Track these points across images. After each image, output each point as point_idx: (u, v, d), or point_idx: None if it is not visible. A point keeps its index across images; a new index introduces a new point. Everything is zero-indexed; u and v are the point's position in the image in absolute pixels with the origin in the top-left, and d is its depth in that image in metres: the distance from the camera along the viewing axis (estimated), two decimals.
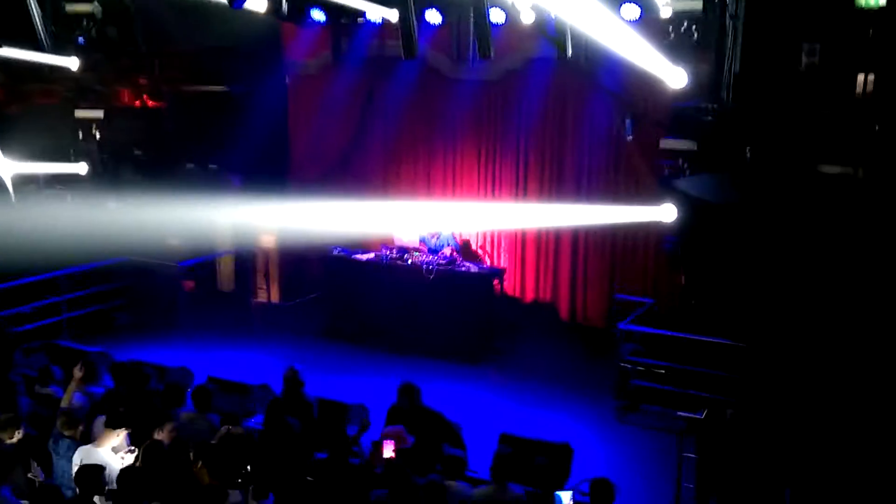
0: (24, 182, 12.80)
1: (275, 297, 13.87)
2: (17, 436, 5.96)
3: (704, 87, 9.66)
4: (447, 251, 11.69)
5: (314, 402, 7.56)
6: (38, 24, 8.68)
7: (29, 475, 5.65)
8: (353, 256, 12.06)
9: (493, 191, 12.60)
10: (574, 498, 5.43)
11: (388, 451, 5.51)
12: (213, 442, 6.03)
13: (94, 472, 5.40)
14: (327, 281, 12.66)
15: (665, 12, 9.55)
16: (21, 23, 8.57)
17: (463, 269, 11.37)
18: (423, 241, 11.95)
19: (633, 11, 9.14)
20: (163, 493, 5.50)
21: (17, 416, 6.22)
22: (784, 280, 8.24)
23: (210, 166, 13.71)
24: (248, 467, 5.44)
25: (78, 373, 7.08)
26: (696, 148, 9.83)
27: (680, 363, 9.08)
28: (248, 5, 8.48)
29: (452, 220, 12.20)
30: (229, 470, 5.54)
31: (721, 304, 9.13)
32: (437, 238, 11.94)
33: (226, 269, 14.14)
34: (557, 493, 5.44)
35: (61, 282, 11.61)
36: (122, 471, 5.36)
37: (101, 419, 6.42)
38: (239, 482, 5.26)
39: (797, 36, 8.65)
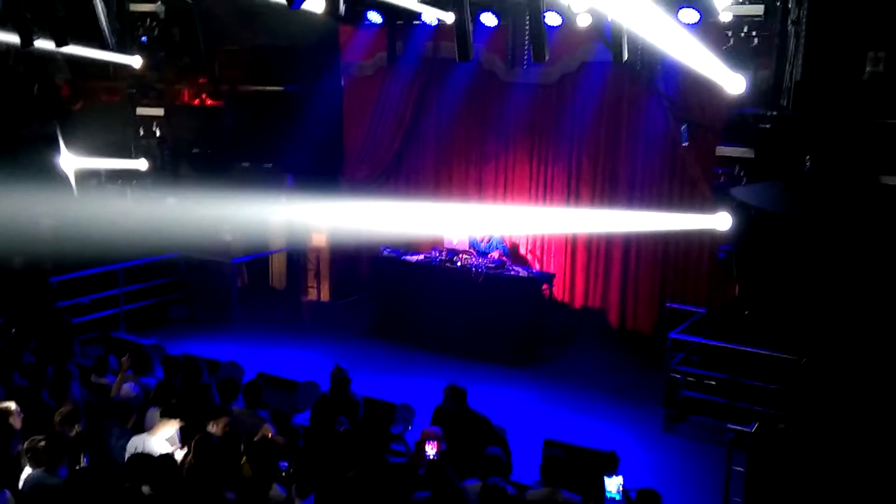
0: (86, 177, 13.17)
1: (325, 296, 14.02)
2: (77, 429, 6.11)
3: (763, 94, 9.51)
4: (496, 255, 11.67)
5: (360, 401, 7.60)
6: (103, 22, 8.87)
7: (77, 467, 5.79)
8: (402, 257, 12.11)
9: (544, 195, 12.53)
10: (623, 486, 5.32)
11: (431, 451, 5.47)
12: (255, 440, 6.10)
13: (144, 461, 5.52)
14: (376, 281, 12.75)
15: (724, 17, 9.43)
16: (86, 21, 8.78)
17: (512, 272, 11.34)
18: (472, 244, 11.96)
19: (691, 15, 9.01)
20: (210, 484, 5.59)
21: (77, 410, 6.37)
22: (842, 293, 8.05)
23: (265, 165, 13.91)
24: (292, 464, 5.48)
25: (126, 363, 7.23)
26: (753, 156, 9.65)
27: (731, 374, 8.91)
28: (305, 6, 8.56)
29: (503, 223, 12.18)
30: (270, 466, 5.59)
31: (775, 316, 8.96)
32: (487, 241, 11.94)
33: (278, 266, 14.34)
34: (606, 477, 5.33)
35: (119, 275, 11.87)
36: (161, 457, 5.45)
37: (154, 410, 6.56)
38: (283, 477, 5.31)
39: (862, 43, 8.45)
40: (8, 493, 5.23)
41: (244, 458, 5.96)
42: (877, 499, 5.91)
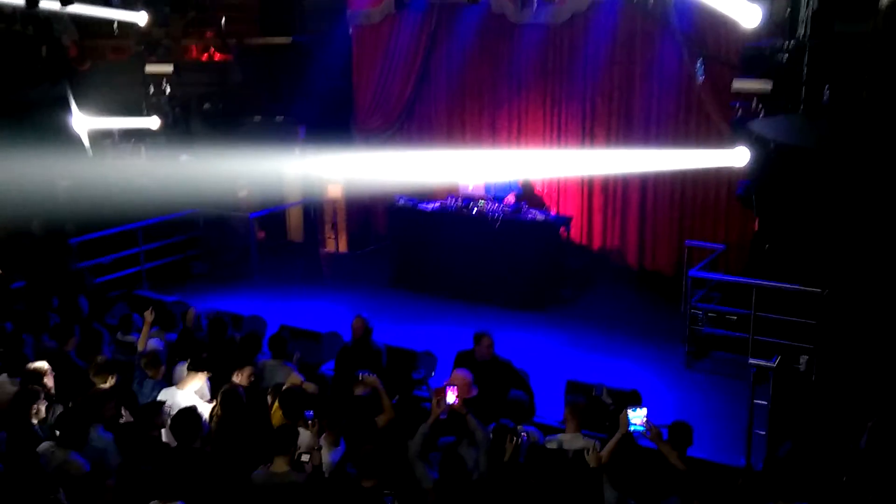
0: (99, 137, 13.17)
1: (343, 247, 14.07)
2: (111, 381, 6.22)
3: (780, 25, 9.30)
4: (511, 198, 11.61)
5: (383, 350, 7.68)
6: None
7: (121, 421, 5.90)
8: (418, 206, 12.07)
9: (558, 137, 12.41)
10: (647, 418, 5.37)
11: (452, 397, 5.51)
12: (285, 388, 6.20)
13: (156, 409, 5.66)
14: (393, 230, 12.76)
15: None
16: None
17: (529, 216, 11.30)
18: (487, 189, 11.90)
19: None
20: (239, 434, 5.70)
21: (111, 362, 6.48)
22: (863, 225, 7.99)
23: (276, 118, 13.84)
24: (318, 413, 5.56)
25: (149, 317, 7.32)
26: (770, 88, 9.47)
27: (752, 310, 8.89)
28: None
29: (518, 167, 12.09)
30: (300, 413, 5.68)
31: (796, 249, 8.90)
32: (496, 187, 11.85)
33: (295, 219, 14.37)
34: (630, 410, 5.37)
35: (139, 233, 11.94)
36: (184, 410, 5.55)
37: (182, 364, 6.66)
38: (310, 424, 5.38)
39: None
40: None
41: (274, 407, 6.06)
42: None
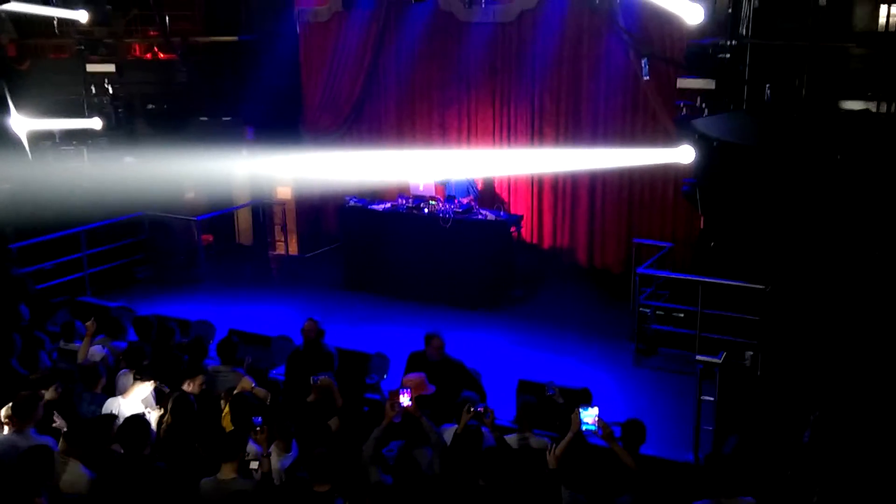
0: (40, 138, 12.83)
1: (293, 250, 13.94)
2: (53, 393, 6.06)
3: (722, 24, 9.45)
4: (465, 200, 11.60)
5: (335, 353, 7.62)
6: None
7: (54, 425, 5.76)
8: (369, 207, 11.99)
9: (508, 136, 12.47)
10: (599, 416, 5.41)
11: (406, 401, 5.51)
12: (235, 392, 6.12)
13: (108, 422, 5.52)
14: (344, 232, 12.67)
15: None
16: None
17: (480, 216, 11.31)
18: (447, 188, 11.87)
19: None
20: (189, 441, 5.60)
21: (48, 376, 6.32)
22: (805, 220, 8.16)
23: (223, 118, 13.64)
24: (266, 419, 5.49)
25: (91, 327, 7.15)
26: (714, 87, 9.64)
27: (699, 307, 9.04)
28: None
29: (467, 167, 12.11)
30: (249, 418, 5.59)
31: (741, 246, 9.06)
32: (457, 185, 11.84)
33: (243, 222, 14.19)
34: (581, 409, 5.41)
35: (81, 237, 11.66)
36: (131, 418, 5.44)
37: (126, 373, 6.52)
38: (257, 432, 5.31)
39: None
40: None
41: (225, 411, 5.97)
42: (845, 419, 6.08)
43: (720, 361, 7.10)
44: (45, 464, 4.84)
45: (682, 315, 9.50)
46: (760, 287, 8.48)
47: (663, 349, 9.60)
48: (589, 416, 5.38)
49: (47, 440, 5.41)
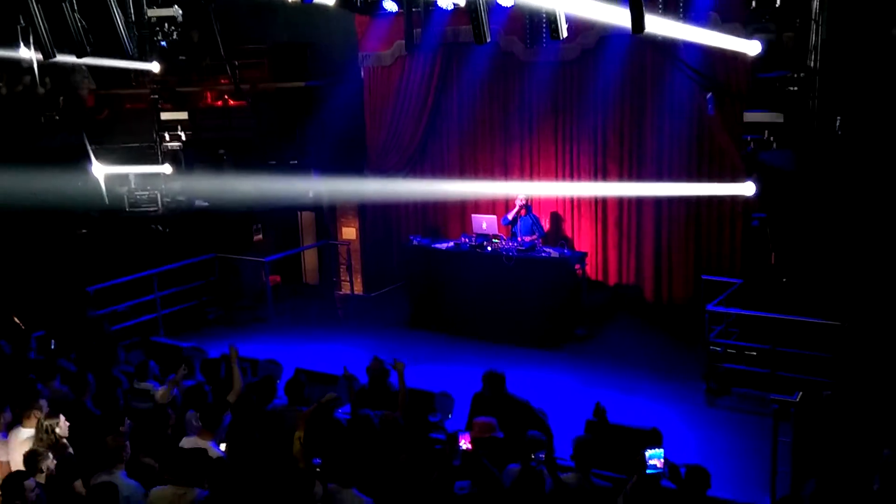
0: (116, 184, 13.31)
1: (358, 289, 14.08)
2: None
3: (788, 56, 9.30)
4: (529, 239, 11.54)
5: None
6: (122, 30, 8.98)
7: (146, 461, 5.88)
8: (432, 245, 12.07)
9: (571, 173, 12.42)
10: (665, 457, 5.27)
11: (465, 444, 5.50)
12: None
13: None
14: (408, 271, 12.75)
15: None
16: (106, 31, 8.90)
17: (543, 254, 11.26)
18: (505, 221, 11.87)
19: None
20: (256, 481, 5.65)
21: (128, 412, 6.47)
22: (881, 254, 7.90)
23: (290, 162, 13.95)
24: (326, 460, 5.51)
25: (182, 372, 7.22)
26: (782, 120, 9.46)
27: (772, 344, 8.78)
28: (317, 0, 8.54)
29: (531, 192, 12.09)
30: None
31: (814, 282, 8.80)
32: (522, 223, 11.81)
33: (310, 262, 14.41)
34: (648, 452, 5.28)
35: (154, 279, 11.99)
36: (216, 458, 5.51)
37: (193, 413, 6.62)
38: (318, 473, 5.33)
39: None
40: None
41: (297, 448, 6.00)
42: None
43: (796, 401, 6.87)
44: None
45: (754, 353, 9.24)
46: (836, 323, 8.21)
47: (736, 388, 9.33)
48: (655, 458, 5.26)
49: (133, 484, 5.52)
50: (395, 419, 6.25)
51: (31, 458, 5.69)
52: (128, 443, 5.83)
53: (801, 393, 7.01)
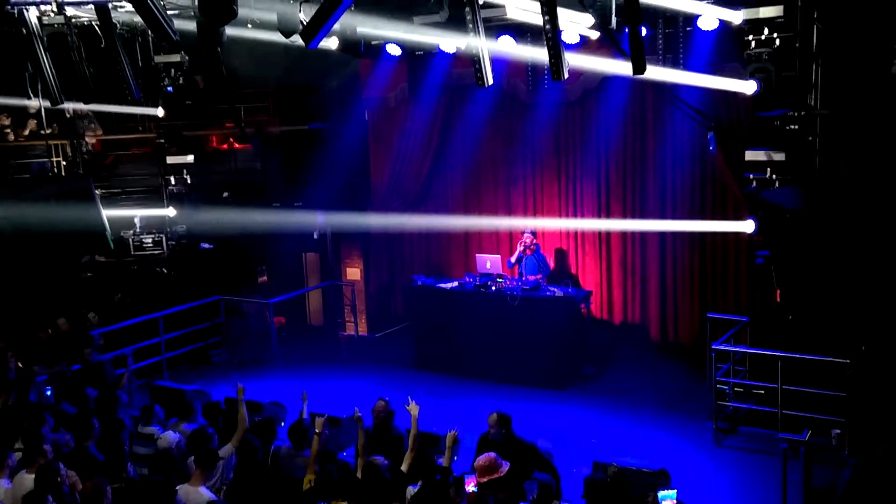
0: (121, 228, 13.37)
1: (362, 330, 14.05)
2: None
3: (789, 95, 9.37)
4: (533, 278, 11.54)
5: (405, 434, 7.55)
6: (129, 77, 9.11)
7: None
8: (436, 285, 12.07)
9: (575, 212, 12.47)
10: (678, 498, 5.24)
11: (471, 487, 5.46)
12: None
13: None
14: (412, 311, 12.73)
15: (742, 17, 9.29)
16: (112, 76, 9.04)
17: (548, 293, 11.24)
18: (509, 264, 11.87)
19: (710, 22, 8.96)
20: None
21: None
22: (888, 290, 7.88)
23: (295, 204, 14.01)
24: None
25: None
26: (784, 158, 9.49)
27: (779, 383, 8.72)
28: (321, 45, 8.63)
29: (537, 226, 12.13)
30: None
31: (821, 319, 8.77)
32: (527, 262, 11.81)
33: (314, 303, 14.39)
34: (661, 493, 5.24)
35: (159, 322, 11.99)
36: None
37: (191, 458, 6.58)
38: None
39: (888, 37, 8.31)
40: None
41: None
42: None
43: (805, 440, 6.81)
44: None
45: (762, 392, 9.18)
46: (844, 361, 8.15)
47: (744, 428, 9.25)
48: (668, 498, 5.21)
49: None
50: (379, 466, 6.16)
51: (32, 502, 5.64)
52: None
53: (809, 431, 6.95)
